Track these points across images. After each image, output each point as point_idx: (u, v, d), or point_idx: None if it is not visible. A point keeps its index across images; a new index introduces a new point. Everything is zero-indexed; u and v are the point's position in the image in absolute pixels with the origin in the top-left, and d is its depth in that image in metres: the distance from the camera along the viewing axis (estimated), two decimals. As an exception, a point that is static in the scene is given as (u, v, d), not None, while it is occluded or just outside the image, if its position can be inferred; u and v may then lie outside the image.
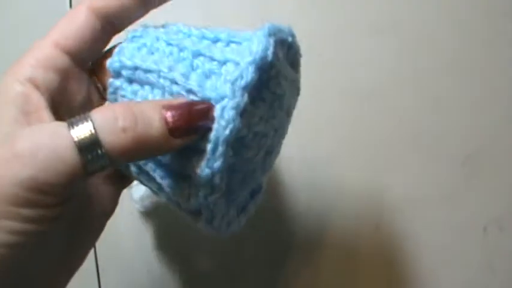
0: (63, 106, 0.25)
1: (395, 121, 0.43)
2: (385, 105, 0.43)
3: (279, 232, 0.41)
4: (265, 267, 0.40)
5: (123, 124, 0.22)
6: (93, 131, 0.21)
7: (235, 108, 0.23)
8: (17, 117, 0.23)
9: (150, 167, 0.26)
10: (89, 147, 0.21)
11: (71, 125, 0.22)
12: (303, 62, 0.38)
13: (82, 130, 0.21)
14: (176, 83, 0.24)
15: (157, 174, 0.26)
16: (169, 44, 0.26)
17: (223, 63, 0.25)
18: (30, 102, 0.24)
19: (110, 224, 0.40)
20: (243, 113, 0.24)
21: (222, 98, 0.24)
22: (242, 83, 0.24)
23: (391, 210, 0.41)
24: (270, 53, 0.25)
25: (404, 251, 0.40)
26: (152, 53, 0.26)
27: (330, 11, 0.44)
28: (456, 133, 0.43)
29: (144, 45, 0.27)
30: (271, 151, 0.29)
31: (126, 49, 0.27)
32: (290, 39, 0.27)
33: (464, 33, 0.44)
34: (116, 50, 0.27)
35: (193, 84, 0.24)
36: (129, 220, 0.40)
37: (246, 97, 0.24)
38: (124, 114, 0.22)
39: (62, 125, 0.22)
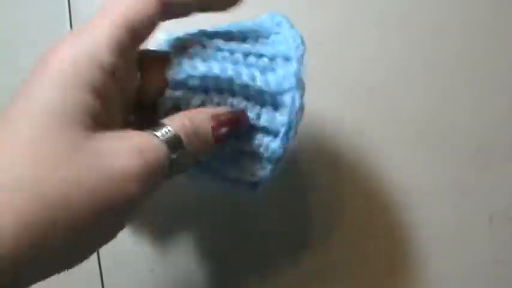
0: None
1: (404, 113, 0.43)
2: (393, 97, 0.43)
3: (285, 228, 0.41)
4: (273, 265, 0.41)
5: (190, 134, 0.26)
6: (176, 135, 0.25)
7: (302, 96, 0.29)
8: (100, 114, 0.24)
9: (216, 165, 0.31)
10: (175, 146, 0.25)
11: (155, 131, 0.25)
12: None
13: (166, 134, 0.25)
14: (247, 86, 0.29)
15: (225, 168, 0.31)
16: (219, 50, 0.29)
17: (273, 59, 0.30)
18: (110, 95, 0.24)
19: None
20: None
21: (290, 90, 0.29)
22: (301, 74, 0.29)
23: (399, 201, 0.41)
24: (302, 43, 0.30)
25: (411, 241, 0.41)
26: (205, 61, 0.28)
27: (335, 1, 0.44)
28: (466, 124, 0.42)
29: (196, 53, 0.28)
30: None
31: (184, 60, 0.28)
32: None
33: (472, 23, 0.44)
34: (175, 61, 0.28)
35: (261, 84, 0.29)
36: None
37: (304, 85, 0.30)
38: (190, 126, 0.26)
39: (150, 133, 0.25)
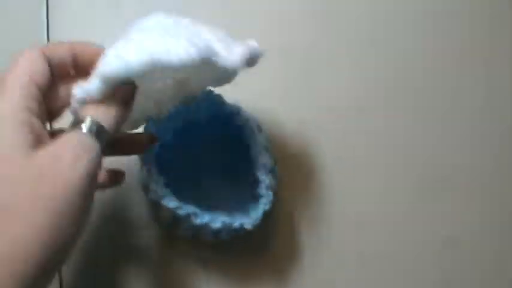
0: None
1: (365, 138, 0.45)
2: (358, 124, 0.45)
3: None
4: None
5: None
6: (96, 122, 0.29)
7: None
8: (31, 143, 0.28)
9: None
10: (99, 132, 0.29)
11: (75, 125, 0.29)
12: (290, 80, 0.45)
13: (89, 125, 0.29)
14: None
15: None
16: None
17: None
18: (33, 128, 0.28)
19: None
20: None
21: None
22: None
23: (351, 225, 0.43)
24: None
25: (363, 267, 0.42)
26: None
27: (324, 28, 0.47)
28: (420, 154, 0.45)
29: None
30: None
31: None
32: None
33: (437, 61, 0.47)
34: None
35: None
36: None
37: None
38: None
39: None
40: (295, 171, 0.43)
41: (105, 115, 0.30)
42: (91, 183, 0.28)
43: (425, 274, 0.42)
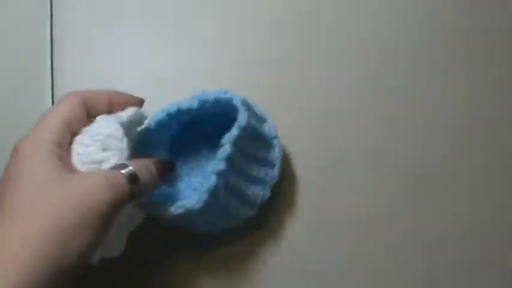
0: None
1: (347, 137, 0.45)
2: (340, 122, 0.45)
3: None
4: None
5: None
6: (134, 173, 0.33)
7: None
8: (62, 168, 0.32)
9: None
10: (133, 180, 0.33)
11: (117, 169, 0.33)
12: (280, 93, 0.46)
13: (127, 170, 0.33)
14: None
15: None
16: None
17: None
18: (63, 158, 0.33)
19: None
20: None
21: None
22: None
23: (338, 226, 0.42)
24: None
25: (348, 268, 0.42)
26: None
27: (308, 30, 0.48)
28: (408, 153, 0.44)
29: None
30: None
31: None
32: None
33: (419, 54, 0.47)
34: None
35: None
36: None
37: None
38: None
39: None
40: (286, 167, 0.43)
41: (145, 174, 0.33)
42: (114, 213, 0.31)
43: (409, 276, 0.41)
